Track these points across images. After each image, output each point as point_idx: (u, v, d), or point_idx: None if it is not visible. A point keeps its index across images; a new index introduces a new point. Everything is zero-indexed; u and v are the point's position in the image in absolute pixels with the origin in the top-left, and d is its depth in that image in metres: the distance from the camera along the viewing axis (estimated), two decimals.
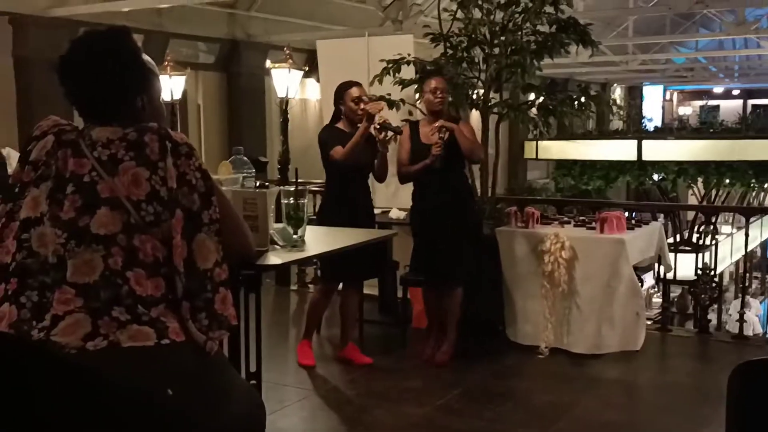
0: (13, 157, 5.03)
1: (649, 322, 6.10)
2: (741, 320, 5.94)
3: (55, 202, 1.92)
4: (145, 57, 2.12)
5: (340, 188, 5.05)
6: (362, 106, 5.00)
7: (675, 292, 8.78)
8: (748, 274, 10.34)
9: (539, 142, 18.27)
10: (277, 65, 9.21)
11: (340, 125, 5.09)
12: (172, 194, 1.92)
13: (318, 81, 9.29)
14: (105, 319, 1.82)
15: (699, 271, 6.11)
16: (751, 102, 30.60)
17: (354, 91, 5.06)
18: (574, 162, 19.00)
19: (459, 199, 5.22)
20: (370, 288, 6.28)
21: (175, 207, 1.92)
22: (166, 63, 9.75)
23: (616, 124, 23.74)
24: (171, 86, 9.82)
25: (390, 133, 5.11)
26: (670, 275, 6.26)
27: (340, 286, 5.30)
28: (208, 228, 1.96)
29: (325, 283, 5.30)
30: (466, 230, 5.26)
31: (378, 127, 4.94)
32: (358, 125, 4.94)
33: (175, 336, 1.88)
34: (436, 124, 5.02)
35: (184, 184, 1.94)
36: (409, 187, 5.98)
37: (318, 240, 3.03)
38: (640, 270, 6.28)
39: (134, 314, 1.85)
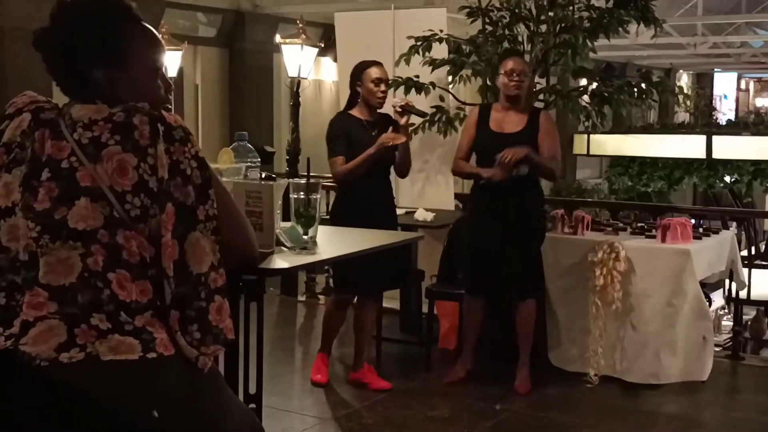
0: None
1: (717, 349, 6.06)
2: None
3: (29, 189, 1.92)
4: (142, 27, 2.12)
5: (356, 184, 5.04)
6: (383, 88, 5.02)
7: (749, 314, 8.69)
8: None
9: (591, 135, 18.21)
10: (288, 41, 9.23)
11: (355, 112, 5.09)
12: (163, 185, 1.92)
13: (335, 60, 9.30)
14: (82, 327, 1.82)
15: None
16: None
17: (373, 72, 5.05)
18: (632, 159, 18.93)
19: (532, 200, 5.21)
20: (391, 301, 6.27)
21: (166, 200, 1.92)
22: (161, 36, 9.77)
23: (682, 116, 23.61)
24: (165, 62, 9.86)
25: (414, 117, 5.10)
26: (743, 294, 6.20)
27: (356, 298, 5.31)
28: (204, 226, 1.96)
29: (338, 294, 5.30)
30: (539, 236, 5.27)
31: (400, 110, 4.92)
32: (378, 111, 4.93)
33: (163, 349, 1.87)
34: (506, 157, 4.85)
35: (178, 174, 1.93)
36: (438, 185, 5.98)
37: (331, 242, 3.02)
38: (707, 287, 6.24)
39: (116, 323, 1.84)
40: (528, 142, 4.96)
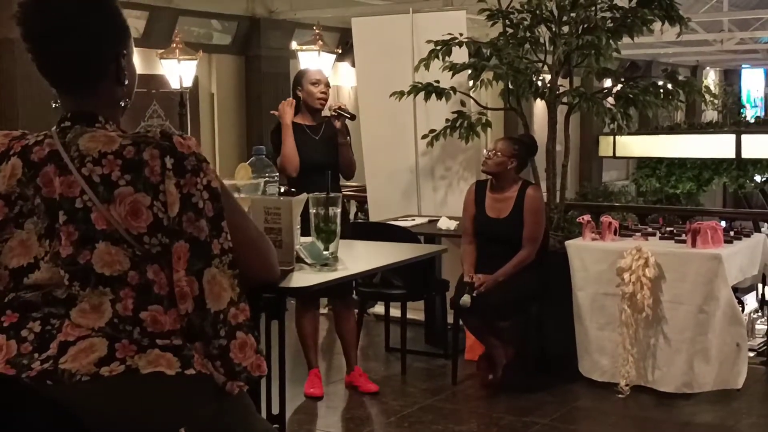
0: None
1: (751, 355, 6.00)
2: None
3: (53, 235, 1.90)
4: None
5: (299, 189, 5.08)
6: (321, 88, 5.18)
7: None
8: None
9: (617, 137, 18.15)
10: (304, 47, 9.30)
11: (297, 119, 5.22)
12: (174, 223, 1.88)
13: (353, 65, 9.31)
14: (123, 342, 1.83)
15: None
16: None
17: (311, 74, 5.28)
18: (660, 161, 18.86)
19: None
20: (415, 312, 6.27)
21: (177, 238, 1.89)
22: (175, 45, 9.84)
23: (710, 114, 23.51)
24: (180, 72, 9.92)
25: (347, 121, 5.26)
26: None
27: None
28: (220, 260, 1.92)
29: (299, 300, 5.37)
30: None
31: (335, 113, 5.12)
32: (324, 115, 5.15)
33: (200, 367, 1.88)
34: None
35: (189, 208, 1.89)
36: (461, 192, 5.98)
37: (353, 257, 3.01)
38: (740, 291, 6.18)
39: (154, 341, 1.86)
40: (513, 228, 5.31)
